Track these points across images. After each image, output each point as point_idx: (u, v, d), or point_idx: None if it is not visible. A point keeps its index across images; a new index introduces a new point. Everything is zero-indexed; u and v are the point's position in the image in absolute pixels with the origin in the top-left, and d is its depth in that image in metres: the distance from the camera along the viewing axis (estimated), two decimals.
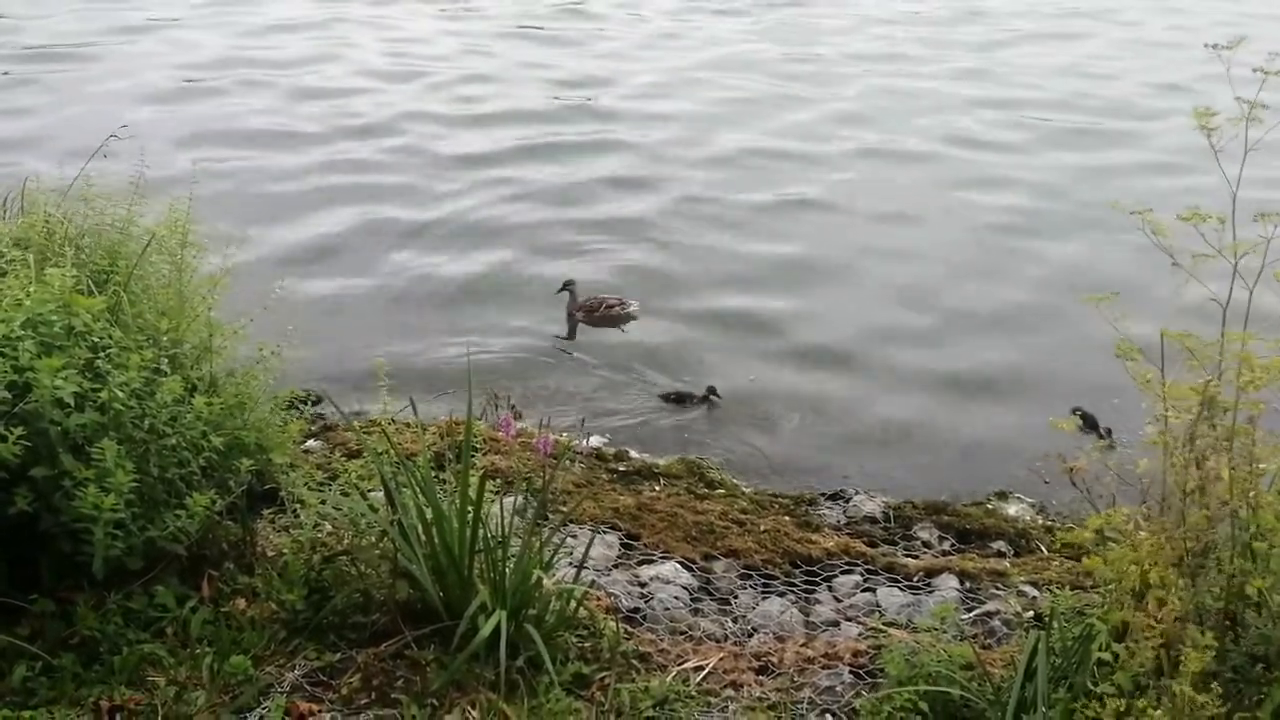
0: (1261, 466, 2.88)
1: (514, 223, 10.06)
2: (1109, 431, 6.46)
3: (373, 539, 3.94)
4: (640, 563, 4.92)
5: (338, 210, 10.11)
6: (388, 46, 16.16)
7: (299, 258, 9.08)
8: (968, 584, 4.96)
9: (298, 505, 4.13)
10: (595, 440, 6.52)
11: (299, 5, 18.26)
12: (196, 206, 4.57)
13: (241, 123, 12.52)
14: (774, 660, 4.13)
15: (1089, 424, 6.60)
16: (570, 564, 4.21)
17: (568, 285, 8.27)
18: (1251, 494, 2.84)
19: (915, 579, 5.01)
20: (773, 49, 16.35)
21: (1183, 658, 2.69)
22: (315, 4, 18.48)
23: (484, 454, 5.46)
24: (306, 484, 4.14)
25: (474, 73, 14.87)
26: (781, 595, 4.81)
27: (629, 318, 8.30)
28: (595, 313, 8.19)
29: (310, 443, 5.83)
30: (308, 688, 3.65)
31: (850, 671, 4.03)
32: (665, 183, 11.07)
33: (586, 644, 3.97)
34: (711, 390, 7.13)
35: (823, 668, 4.07)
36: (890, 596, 4.83)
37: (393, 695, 3.60)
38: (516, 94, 13.76)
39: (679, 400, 7.13)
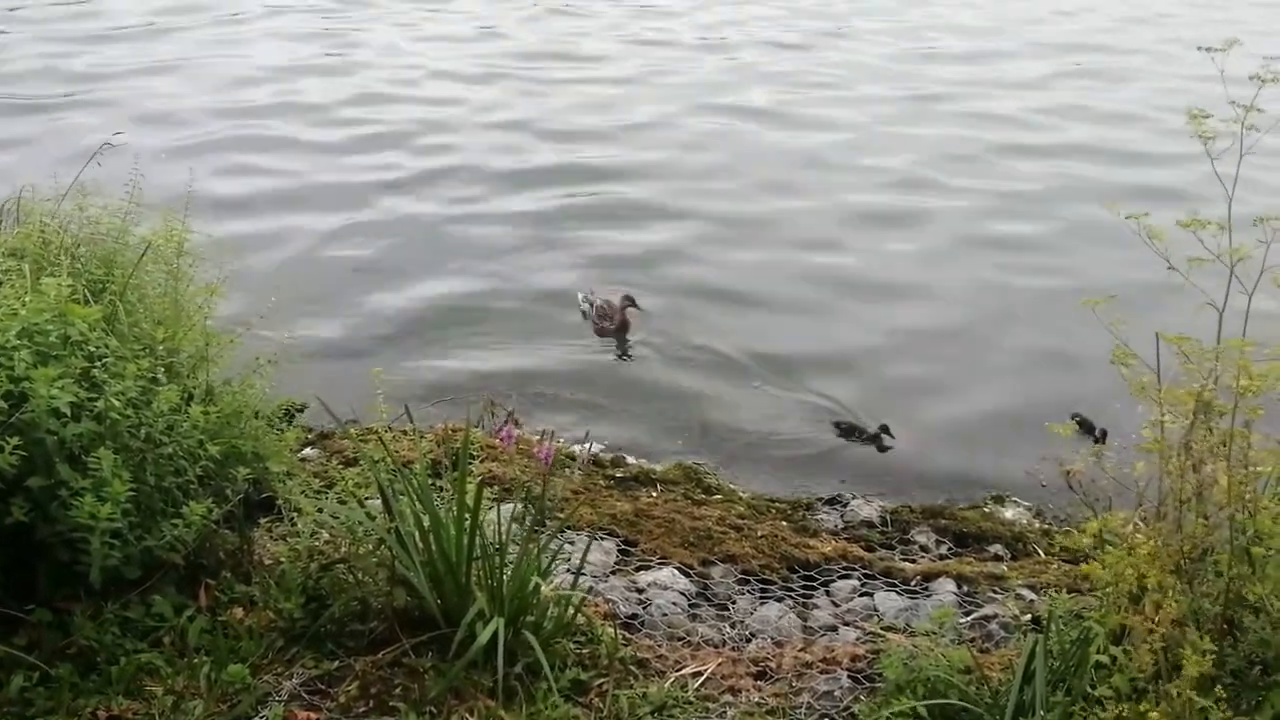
0: (1258, 470, 2.89)
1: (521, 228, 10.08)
2: (1104, 434, 6.46)
3: (370, 547, 3.94)
4: (638, 569, 4.92)
5: (334, 220, 10.11)
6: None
7: (299, 261, 9.11)
8: (965, 588, 4.96)
9: (295, 513, 4.13)
10: (593, 447, 6.51)
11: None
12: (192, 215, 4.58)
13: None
14: (772, 665, 4.13)
15: (1086, 429, 6.60)
16: (568, 570, 4.21)
17: (630, 301, 8.12)
18: (1249, 498, 2.84)
19: (913, 583, 5.01)
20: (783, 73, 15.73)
21: (1182, 661, 2.70)
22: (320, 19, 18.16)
23: (481, 461, 5.46)
24: (304, 492, 4.14)
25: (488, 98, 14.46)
26: (779, 600, 4.81)
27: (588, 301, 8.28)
28: (607, 319, 8.12)
29: (307, 450, 5.82)
30: (305, 696, 3.65)
31: (848, 676, 4.03)
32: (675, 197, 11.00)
33: (584, 650, 3.97)
34: (884, 429, 6.84)
35: (821, 672, 4.07)
36: (888, 601, 4.83)
37: (391, 703, 3.60)
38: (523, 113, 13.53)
39: (848, 432, 6.88)
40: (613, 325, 8.04)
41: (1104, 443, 6.31)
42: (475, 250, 9.49)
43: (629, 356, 7.90)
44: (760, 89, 14.61)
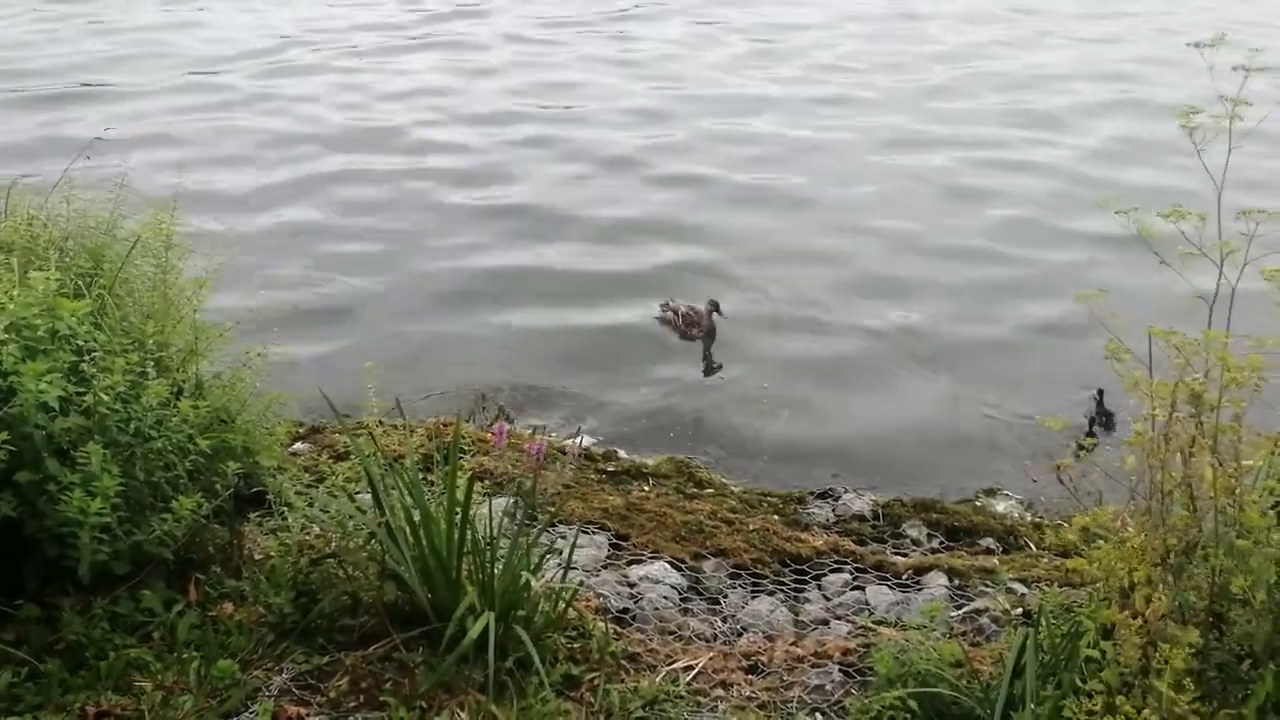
0: (1247, 464, 2.89)
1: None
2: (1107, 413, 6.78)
3: (360, 541, 3.93)
4: (629, 563, 4.92)
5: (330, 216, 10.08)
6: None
7: (292, 258, 9.10)
8: (956, 581, 4.96)
9: (285, 508, 4.12)
10: (585, 440, 6.51)
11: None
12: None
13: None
14: (763, 659, 4.13)
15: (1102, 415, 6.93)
16: (559, 565, 4.21)
17: (715, 306, 8.06)
18: (1237, 491, 2.85)
19: (904, 577, 5.01)
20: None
21: (1166, 655, 2.70)
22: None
23: (473, 456, 5.45)
24: (294, 486, 4.13)
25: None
26: (771, 594, 4.81)
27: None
28: (695, 327, 8.07)
29: (298, 445, 5.81)
30: (295, 691, 3.64)
31: (840, 670, 4.03)
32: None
33: (576, 645, 3.97)
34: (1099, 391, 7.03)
35: (812, 666, 4.07)
36: (879, 595, 4.83)
37: (381, 698, 3.59)
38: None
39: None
40: (701, 332, 8.04)
41: (1108, 422, 6.75)
42: (478, 253, 9.48)
43: (716, 364, 7.84)
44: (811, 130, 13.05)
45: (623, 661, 3.98)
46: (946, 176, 11.36)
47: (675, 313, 8.13)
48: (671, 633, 4.36)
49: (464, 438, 4.20)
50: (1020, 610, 4.52)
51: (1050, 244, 9.77)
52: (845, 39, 17.47)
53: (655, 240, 9.74)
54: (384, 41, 16.64)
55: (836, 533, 5.53)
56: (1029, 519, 5.89)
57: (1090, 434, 6.94)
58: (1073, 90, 14.71)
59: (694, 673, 3.97)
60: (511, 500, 4.41)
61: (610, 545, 5.05)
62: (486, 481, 4.96)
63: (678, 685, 3.87)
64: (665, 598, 4.63)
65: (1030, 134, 12.84)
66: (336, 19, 18.11)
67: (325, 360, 7.30)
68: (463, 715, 3.52)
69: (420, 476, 3.88)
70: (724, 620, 4.55)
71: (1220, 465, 2.83)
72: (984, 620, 4.52)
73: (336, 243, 9.49)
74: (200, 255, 4.50)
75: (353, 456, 4.10)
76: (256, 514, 4.36)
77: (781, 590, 4.87)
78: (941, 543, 5.55)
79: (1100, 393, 7.06)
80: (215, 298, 4.45)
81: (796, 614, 4.66)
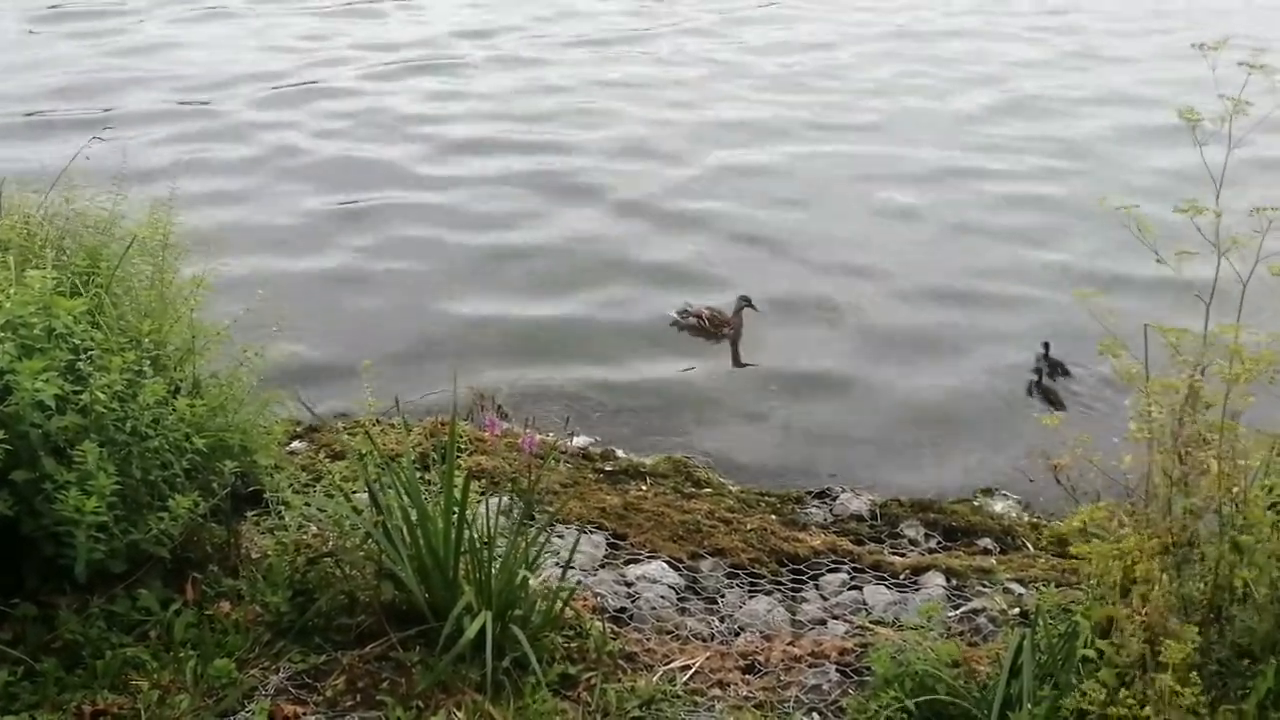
0: (1251, 460, 2.89)
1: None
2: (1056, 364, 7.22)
3: (357, 540, 3.92)
4: (627, 562, 4.92)
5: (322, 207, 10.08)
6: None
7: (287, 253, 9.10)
8: (954, 581, 4.97)
9: (282, 507, 4.11)
10: (582, 439, 6.51)
11: None
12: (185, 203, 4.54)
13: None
14: (761, 659, 4.13)
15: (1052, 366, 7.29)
16: (556, 564, 4.20)
17: (747, 301, 7.94)
18: (1238, 487, 2.85)
19: (902, 577, 5.01)
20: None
21: (1165, 649, 2.70)
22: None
23: (470, 454, 5.44)
24: (291, 485, 4.12)
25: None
26: (768, 594, 4.81)
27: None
28: (725, 326, 7.95)
29: (295, 444, 5.80)
30: (292, 690, 3.64)
31: (837, 670, 4.03)
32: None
33: (573, 644, 3.96)
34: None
35: (809, 666, 4.07)
36: (877, 594, 4.83)
37: (378, 697, 3.58)
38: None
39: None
40: (731, 330, 7.90)
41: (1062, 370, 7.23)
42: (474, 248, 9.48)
43: (744, 364, 7.78)
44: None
45: (620, 661, 3.98)
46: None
47: (699, 316, 7.96)
48: (669, 632, 4.35)
49: (461, 436, 4.19)
50: (1017, 610, 4.52)
51: (1055, 244, 9.78)
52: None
53: (656, 241, 9.73)
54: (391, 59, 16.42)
55: (834, 532, 5.52)
56: (1026, 519, 5.89)
57: (1039, 383, 7.30)
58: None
59: (691, 672, 3.97)
60: (508, 499, 4.41)
61: (608, 544, 5.05)
62: (483, 480, 4.96)
63: (674, 685, 3.86)
64: (662, 597, 4.63)
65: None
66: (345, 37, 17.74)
67: (324, 358, 7.29)
68: (459, 714, 3.51)
69: (417, 475, 3.88)
70: (721, 620, 4.55)
71: (1223, 461, 2.83)
72: (981, 620, 4.52)
73: (337, 247, 9.48)
74: (198, 255, 4.50)
75: (349, 455, 4.10)
76: (254, 513, 4.35)
77: (779, 590, 4.87)
78: (939, 542, 5.55)
79: (1046, 345, 7.38)
80: (213, 298, 4.44)
81: (794, 614, 4.66)
